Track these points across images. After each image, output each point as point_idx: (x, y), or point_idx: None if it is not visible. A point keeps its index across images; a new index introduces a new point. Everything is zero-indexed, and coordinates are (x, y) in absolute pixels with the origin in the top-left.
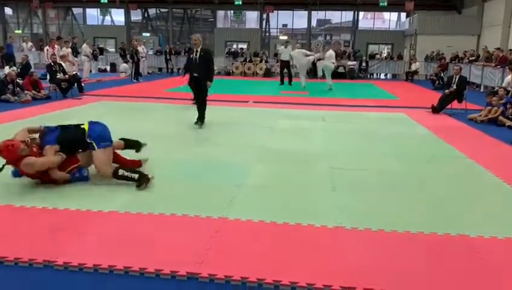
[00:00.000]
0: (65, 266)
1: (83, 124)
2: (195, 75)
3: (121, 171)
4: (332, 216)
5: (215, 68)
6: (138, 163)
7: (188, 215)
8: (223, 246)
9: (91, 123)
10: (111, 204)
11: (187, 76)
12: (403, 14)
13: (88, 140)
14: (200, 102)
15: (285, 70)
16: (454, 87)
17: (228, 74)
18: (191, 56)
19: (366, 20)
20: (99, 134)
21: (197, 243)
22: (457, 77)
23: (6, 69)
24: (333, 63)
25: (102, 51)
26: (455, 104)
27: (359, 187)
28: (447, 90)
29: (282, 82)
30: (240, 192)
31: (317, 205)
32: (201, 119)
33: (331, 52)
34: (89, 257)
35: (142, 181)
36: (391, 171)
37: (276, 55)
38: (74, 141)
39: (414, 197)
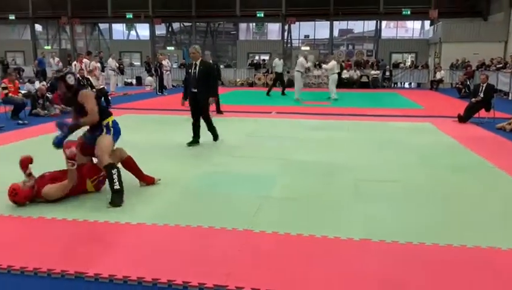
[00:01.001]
0: (96, 277)
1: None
2: (194, 90)
3: (114, 171)
4: (359, 228)
5: (237, 80)
6: (152, 180)
7: (214, 227)
8: (249, 258)
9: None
10: (139, 216)
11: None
12: (427, 22)
13: (104, 124)
14: (205, 121)
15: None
16: (482, 95)
17: (251, 85)
18: (190, 71)
19: (389, 29)
20: (118, 131)
21: (224, 255)
22: (485, 85)
23: (37, 84)
24: (336, 73)
25: (122, 70)
26: (483, 113)
27: (385, 199)
28: (473, 99)
29: (268, 93)
30: (265, 204)
31: (343, 217)
32: (215, 138)
33: (333, 63)
34: (118, 269)
35: (116, 201)
36: (418, 182)
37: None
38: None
39: (442, 209)
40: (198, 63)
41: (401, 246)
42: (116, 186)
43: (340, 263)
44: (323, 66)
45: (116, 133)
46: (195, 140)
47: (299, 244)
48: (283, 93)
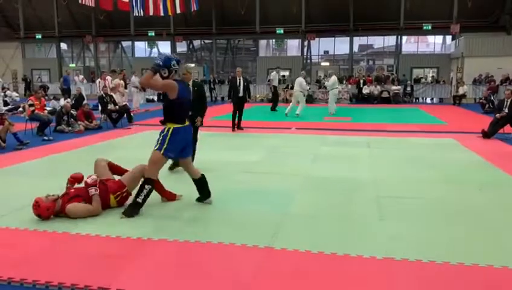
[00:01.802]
0: None
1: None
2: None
3: (148, 187)
4: (382, 246)
5: (257, 96)
6: (174, 196)
7: (235, 244)
8: (270, 277)
9: (176, 130)
10: (160, 232)
11: None
12: (448, 37)
13: (160, 136)
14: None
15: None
16: (506, 111)
17: (270, 101)
18: None
19: (410, 44)
20: (172, 143)
21: (245, 272)
22: (509, 100)
23: (62, 101)
24: (336, 88)
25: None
26: (508, 129)
27: (408, 216)
28: (498, 115)
29: (273, 108)
30: (286, 221)
31: (365, 235)
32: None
33: (333, 78)
34: (140, 285)
35: (130, 212)
36: (442, 200)
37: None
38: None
39: (467, 227)
40: (191, 83)
41: (424, 265)
42: (139, 200)
43: (363, 283)
44: (325, 83)
45: (174, 143)
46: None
47: (321, 262)
48: (273, 109)
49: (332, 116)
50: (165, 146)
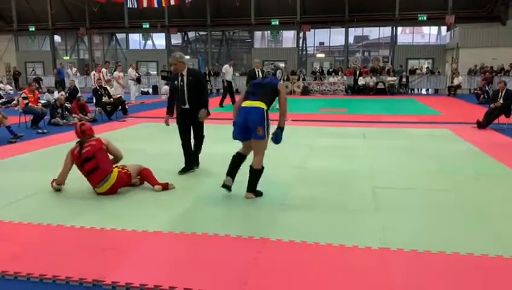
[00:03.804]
0: (113, 285)
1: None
2: (185, 107)
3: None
4: (377, 237)
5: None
6: (166, 186)
7: (230, 235)
8: (266, 268)
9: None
10: (155, 224)
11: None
12: (443, 28)
13: (258, 124)
14: (197, 140)
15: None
16: (501, 101)
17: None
18: (175, 83)
19: (405, 35)
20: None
21: (241, 264)
22: (504, 90)
23: (56, 94)
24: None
25: (139, 79)
26: (502, 119)
27: (404, 207)
28: (492, 105)
29: (232, 101)
30: (281, 212)
31: (361, 226)
32: (197, 162)
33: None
34: (135, 277)
35: (258, 193)
36: (437, 190)
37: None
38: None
39: (462, 217)
40: (184, 73)
41: (420, 255)
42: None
43: (359, 273)
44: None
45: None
46: (188, 167)
47: (316, 253)
48: (221, 105)
49: (328, 108)
50: (268, 130)
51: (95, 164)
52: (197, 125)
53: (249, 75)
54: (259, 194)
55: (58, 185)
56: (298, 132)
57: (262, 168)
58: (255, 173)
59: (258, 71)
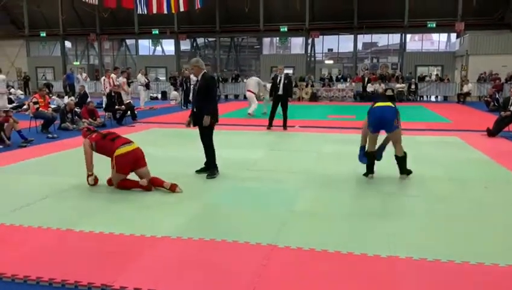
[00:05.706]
0: None
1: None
2: (194, 111)
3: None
4: (386, 245)
5: (260, 95)
6: (174, 187)
7: (238, 241)
8: (273, 275)
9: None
10: (163, 229)
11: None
12: (453, 35)
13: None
14: (203, 144)
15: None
16: (511, 109)
17: None
18: (192, 87)
19: (414, 42)
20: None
21: (248, 270)
22: None
23: (66, 99)
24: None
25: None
26: None
27: (413, 214)
28: (503, 113)
29: None
30: (289, 218)
31: (370, 233)
32: (211, 171)
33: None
34: (143, 282)
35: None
36: (447, 197)
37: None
38: None
39: (471, 226)
40: (199, 78)
41: (429, 263)
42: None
43: (368, 281)
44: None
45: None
46: (204, 168)
47: (324, 260)
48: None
49: (335, 114)
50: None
51: (116, 135)
52: (202, 130)
53: (273, 81)
54: (409, 172)
55: (91, 176)
56: (305, 138)
57: (405, 153)
58: (401, 159)
59: (281, 77)
